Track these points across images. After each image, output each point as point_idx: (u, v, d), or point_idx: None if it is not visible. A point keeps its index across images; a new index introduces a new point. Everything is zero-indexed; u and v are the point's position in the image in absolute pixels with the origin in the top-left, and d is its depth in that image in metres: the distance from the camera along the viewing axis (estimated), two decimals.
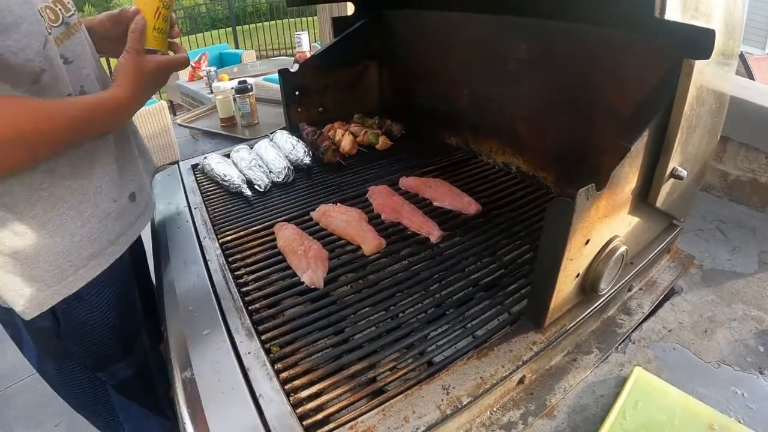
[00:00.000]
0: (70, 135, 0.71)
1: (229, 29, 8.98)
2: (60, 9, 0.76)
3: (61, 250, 0.75)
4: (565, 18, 1.04)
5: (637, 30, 0.88)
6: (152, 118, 3.20)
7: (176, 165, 1.50)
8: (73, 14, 0.80)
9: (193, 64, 4.40)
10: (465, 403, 0.66)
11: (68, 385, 0.89)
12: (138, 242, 1.04)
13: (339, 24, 1.67)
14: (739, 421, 0.69)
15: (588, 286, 0.78)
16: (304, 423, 0.64)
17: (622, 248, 0.76)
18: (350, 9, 1.73)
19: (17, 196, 0.70)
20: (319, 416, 0.66)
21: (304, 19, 9.32)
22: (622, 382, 0.75)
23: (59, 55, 0.73)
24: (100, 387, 0.90)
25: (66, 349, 0.84)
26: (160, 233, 1.13)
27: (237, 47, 8.07)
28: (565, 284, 0.73)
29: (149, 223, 1.07)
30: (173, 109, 4.90)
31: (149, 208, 0.96)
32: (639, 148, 0.70)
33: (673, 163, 0.75)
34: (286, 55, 7.09)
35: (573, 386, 0.75)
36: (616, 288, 0.83)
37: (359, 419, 0.65)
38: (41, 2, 0.71)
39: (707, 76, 0.72)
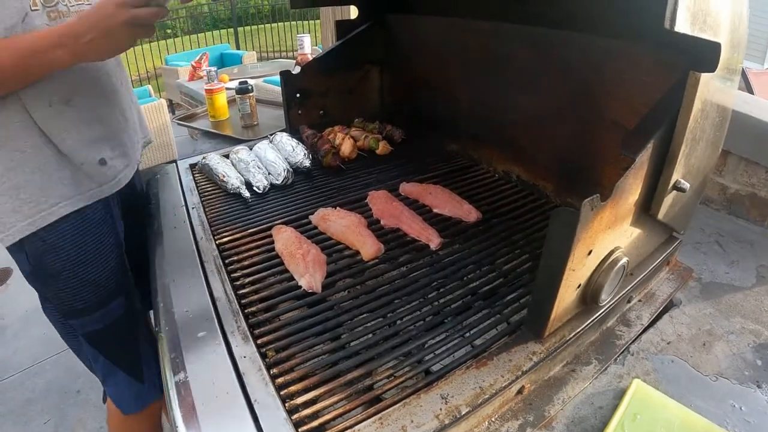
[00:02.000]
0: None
1: (231, 30, 8.99)
2: None
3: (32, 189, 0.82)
4: (570, 27, 1.04)
5: (643, 41, 0.88)
6: (151, 117, 3.18)
7: (174, 164, 1.49)
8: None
9: (194, 64, 4.41)
10: (464, 413, 0.66)
11: (56, 324, 0.97)
12: (134, 211, 1.14)
13: (342, 27, 1.67)
14: None
15: (589, 297, 0.77)
16: (299, 430, 0.63)
17: (624, 260, 0.76)
18: (354, 13, 1.73)
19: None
20: (315, 423, 0.65)
21: (305, 22, 9.36)
22: (620, 393, 0.75)
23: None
24: (73, 332, 0.95)
25: (42, 292, 0.91)
26: (156, 232, 1.12)
27: (238, 48, 8.07)
28: (567, 295, 0.72)
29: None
30: (172, 108, 4.88)
31: (127, 171, 1.00)
32: (644, 159, 0.69)
33: (677, 176, 0.75)
34: (287, 58, 7.11)
35: (572, 397, 0.75)
36: (616, 299, 0.83)
37: (356, 427, 0.64)
38: None
39: (712, 90, 0.72)
